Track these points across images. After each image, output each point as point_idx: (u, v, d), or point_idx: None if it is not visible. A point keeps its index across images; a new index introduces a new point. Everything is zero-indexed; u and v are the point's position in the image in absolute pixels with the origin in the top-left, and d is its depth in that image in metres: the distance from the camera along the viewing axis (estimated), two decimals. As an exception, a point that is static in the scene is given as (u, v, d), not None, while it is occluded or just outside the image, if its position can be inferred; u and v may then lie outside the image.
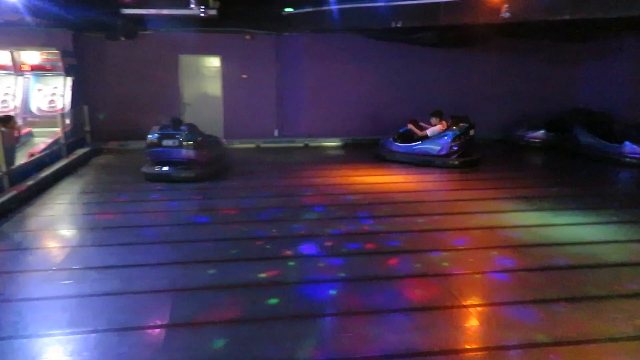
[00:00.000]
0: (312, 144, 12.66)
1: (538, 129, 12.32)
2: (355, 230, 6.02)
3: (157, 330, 3.70)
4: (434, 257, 5.17)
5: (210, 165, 8.84)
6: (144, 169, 8.62)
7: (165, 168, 8.47)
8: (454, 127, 9.86)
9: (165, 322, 3.80)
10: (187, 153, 8.38)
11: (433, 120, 10.24)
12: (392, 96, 12.98)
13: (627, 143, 10.12)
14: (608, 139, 10.60)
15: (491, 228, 6.13)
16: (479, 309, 4.08)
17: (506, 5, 8.73)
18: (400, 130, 10.58)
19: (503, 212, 6.83)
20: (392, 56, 12.83)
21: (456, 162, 9.79)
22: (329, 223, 6.27)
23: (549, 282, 4.55)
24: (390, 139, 10.46)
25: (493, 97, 13.32)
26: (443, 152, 9.77)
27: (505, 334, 3.64)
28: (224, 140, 9.02)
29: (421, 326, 3.79)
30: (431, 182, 8.89)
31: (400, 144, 10.29)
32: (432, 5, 9.58)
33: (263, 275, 4.66)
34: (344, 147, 12.57)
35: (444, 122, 10.12)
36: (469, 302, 4.15)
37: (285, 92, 12.98)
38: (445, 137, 9.79)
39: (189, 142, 8.34)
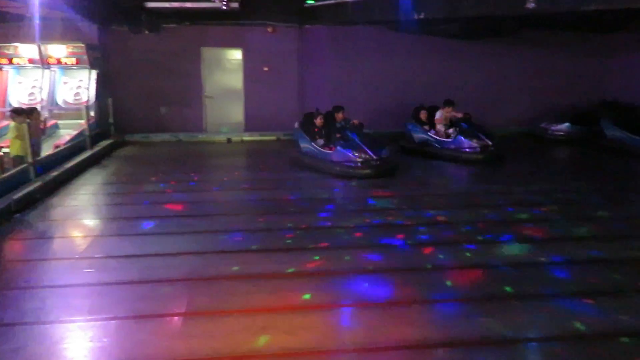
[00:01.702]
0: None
1: (563, 122, 12.07)
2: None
3: (176, 318, 3.76)
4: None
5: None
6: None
7: None
8: None
9: (183, 310, 3.86)
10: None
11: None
12: (417, 88, 12.78)
13: (655, 137, 9.85)
14: (636, 132, 10.33)
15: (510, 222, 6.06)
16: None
17: (531, -5, 8.56)
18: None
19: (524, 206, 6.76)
20: (416, 48, 12.69)
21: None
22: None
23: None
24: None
25: (519, 89, 13.09)
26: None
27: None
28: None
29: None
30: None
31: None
32: (455, -5, 9.46)
33: (290, 269, 4.67)
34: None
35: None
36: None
37: (306, 85, 12.96)
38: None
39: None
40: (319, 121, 9.10)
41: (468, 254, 5.03)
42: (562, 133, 12.03)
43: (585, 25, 11.66)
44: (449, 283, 4.36)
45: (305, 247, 5.19)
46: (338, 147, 8.37)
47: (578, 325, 3.62)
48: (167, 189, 7.71)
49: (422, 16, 10.15)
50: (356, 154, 8.16)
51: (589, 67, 13.21)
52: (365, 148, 8.22)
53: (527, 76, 13.12)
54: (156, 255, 4.96)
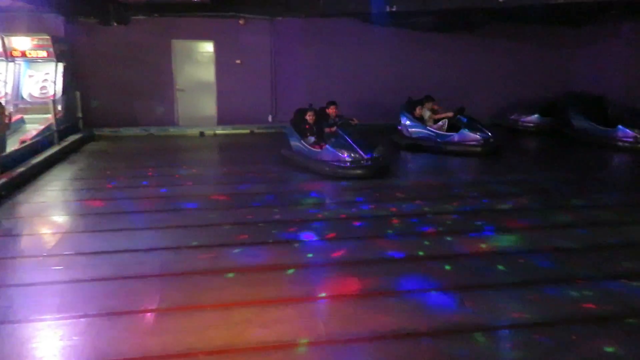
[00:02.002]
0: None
1: (532, 113, 12.31)
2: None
3: (148, 314, 3.71)
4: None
5: None
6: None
7: None
8: None
9: (155, 306, 3.81)
10: None
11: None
12: (390, 81, 12.90)
13: (620, 127, 10.13)
14: (602, 123, 10.61)
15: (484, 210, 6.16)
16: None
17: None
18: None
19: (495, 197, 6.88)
20: (389, 41, 12.74)
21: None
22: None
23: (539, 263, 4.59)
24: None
25: (490, 82, 13.29)
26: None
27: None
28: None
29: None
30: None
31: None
32: (427, -11, 9.53)
33: (264, 262, 4.66)
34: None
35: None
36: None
37: (279, 78, 12.90)
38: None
39: None
40: (310, 117, 8.61)
41: (444, 245, 5.10)
42: (531, 124, 12.28)
43: (553, 18, 11.89)
44: (424, 273, 4.41)
45: (279, 241, 5.18)
46: (327, 146, 7.92)
47: (556, 312, 3.72)
48: (138, 184, 7.59)
49: (394, 9, 10.21)
50: (345, 154, 7.69)
51: (556, 60, 13.49)
52: (356, 147, 7.72)
53: (498, 68, 13.33)
54: (127, 251, 4.88)
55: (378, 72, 12.91)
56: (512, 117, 12.59)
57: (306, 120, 8.62)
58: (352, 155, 7.66)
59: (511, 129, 12.44)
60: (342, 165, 7.69)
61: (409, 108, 10.26)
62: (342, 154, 7.71)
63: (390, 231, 5.48)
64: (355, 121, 8.56)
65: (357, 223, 5.78)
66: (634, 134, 9.96)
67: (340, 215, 6.04)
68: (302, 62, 12.74)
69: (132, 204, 6.53)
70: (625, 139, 10.06)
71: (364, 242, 5.21)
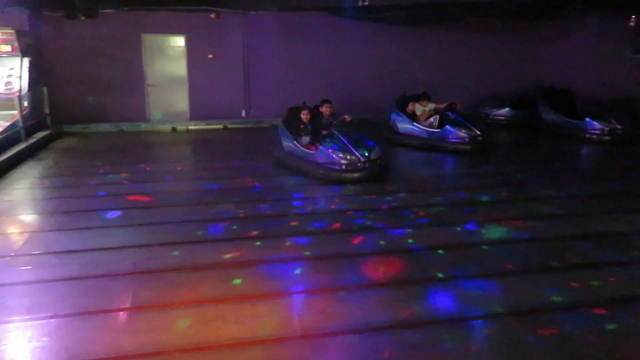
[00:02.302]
0: (281, 124, 12.55)
1: (503, 106, 12.51)
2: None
3: (121, 313, 3.64)
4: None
5: None
6: None
7: None
8: None
9: (128, 304, 3.75)
10: None
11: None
12: (364, 76, 12.94)
13: (588, 120, 10.37)
14: (570, 115, 10.85)
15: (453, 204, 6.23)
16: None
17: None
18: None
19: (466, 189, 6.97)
20: (363, 35, 12.76)
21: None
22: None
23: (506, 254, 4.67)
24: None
25: (463, 76, 13.45)
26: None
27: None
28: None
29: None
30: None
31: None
32: (399, -17, 9.56)
33: (228, 255, 4.63)
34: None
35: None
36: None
37: (253, 72, 12.81)
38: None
39: None
40: (304, 116, 7.97)
41: (422, 236, 5.15)
42: (502, 117, 12.49)
43: (523, 13, 12.06)
44: (396, 266, 4.44)
45: (253, 236, 5.15)
46: (320, 147, 7.32)
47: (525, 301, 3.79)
48: (109, 181, 7.44)
49: (366, 3, 10.21)
50: (340, 155, 7.09)
51: (527, 54, 13.73)
52: (352, 147, 7.14)
53: (470, 62, 13.50)
54: (98, 249, 4.78)
55: (352, 66, 12.91)
56: (484, 110, 12.77)
57: (300, 119, 7.99)
58: (349, 157, 7.08)
59: (483, 122, 12.59)
60: (336, 168, 7.12)
61: (401, 104, 10.12)
62: (336, 156, 7.13)
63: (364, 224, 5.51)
64: (348, 118, 8.08)
65: (330, 218, 5.78)
66: (601, 126, 10.22)
67: (316, 210, 6.03)
68: (276, 56, 12.67)
69: (103, 201, 6.40)
70: (592, 131, 10.31)
71: (338, 237, 5.22)
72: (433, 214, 5.87)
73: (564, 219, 5.73)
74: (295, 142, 7.85)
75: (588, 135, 10.33)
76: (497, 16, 12.35)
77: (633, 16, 11.48)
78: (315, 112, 8.20)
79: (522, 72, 13.66)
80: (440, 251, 4.77)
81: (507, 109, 12.46)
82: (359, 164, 7.10)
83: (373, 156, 7.23)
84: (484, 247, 4.90)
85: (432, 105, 9.82)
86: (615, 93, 11.82)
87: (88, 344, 3.25)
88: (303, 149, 7.69)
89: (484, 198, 6.50)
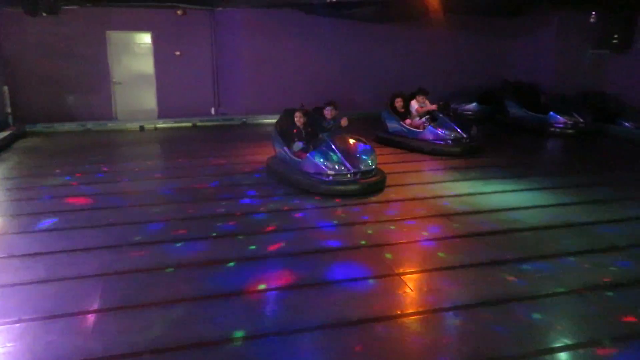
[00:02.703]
0: (251, 121, 12.50)
1: (470, 101, 12.73)
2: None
3: (88, 315, 3.58)
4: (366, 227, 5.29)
5: None
6: None
7: None
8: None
9: (95, 307, 3.68)
10: None
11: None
12: (334, 72, 12.98)
13: (552, 113, 10.65)
14: (535, 110, 11.12)
15: (423, 198, 6.32)
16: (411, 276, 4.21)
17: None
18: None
19: (435, 182, 7.07)
20: (332, 32, 12.77)
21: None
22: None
23: (476, 247, 4.76)
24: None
25: (431, 71, 13.59)
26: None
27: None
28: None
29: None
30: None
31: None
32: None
33: (209, 257, 4.60)
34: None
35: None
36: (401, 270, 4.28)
37: (222, 69, 12.70)
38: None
39: None
40: (298, 119, 7.26)
41: (384, 233, 5.20)
42: (470, 112, 12.69)
43: (488, 9, 12.27)
44: (365, 261, 4.48)
45: (220, 234, 5.12)
46: (308, 155, 6.59)
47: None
48: (74, 182, 7.27)
49: (334, -1, 10.23)
50: (327, 165, 6.36)
51: (493, 50, 13.97)
52: (342, 157, 6.39)
53: (438, 58, 13.66)
54: (64, 251, 4.68)
55: (321, 63, 12.93)
56: (452, 105, 12.94)
57: (294, 122, 7.31)
58: (337, 167, 6.35)
59: (471, 122, 12.79)
60: (324, 179, 6.39)
61: (391, 101, 9.80)
62: (324, 165, 6.39)
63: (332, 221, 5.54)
64: (344, 122, 7.17)
65: (297, 215, 5.78)
66: (565, 120, 10.50)
67: (283, 208, 6.02)
68: (245, 53, 12.58)
69: (68, 203, 6.26)
70: (556, 125, 10.59)
71: (305, 233, 5.23)
72: (409, 207, 5.94)
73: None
74: (285, 148, 7.13)
75: (552, 129, 10.60)
76: (464, 12, 12.52)
77: (593, 12, 11.80)
78: (312, 115, 7.50)
79: (488, 67, 13.90)
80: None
81: (474, 103, 12.68)
82: (349, 176, 6.39)
83: (364, 167, 6.47)
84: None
85: (428, 103, 9.33)
86: (577, 87, 12.15)
87: (54, 348, 3.19)
88: (292, 156, 6.96)
89: (448, 192, 6.61)
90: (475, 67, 13.86)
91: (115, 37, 11.97)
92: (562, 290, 3.92)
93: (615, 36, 11.54)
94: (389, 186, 6.73)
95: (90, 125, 11.66)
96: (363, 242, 4.91)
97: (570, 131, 10.49)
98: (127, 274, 4.24)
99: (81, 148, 9.73)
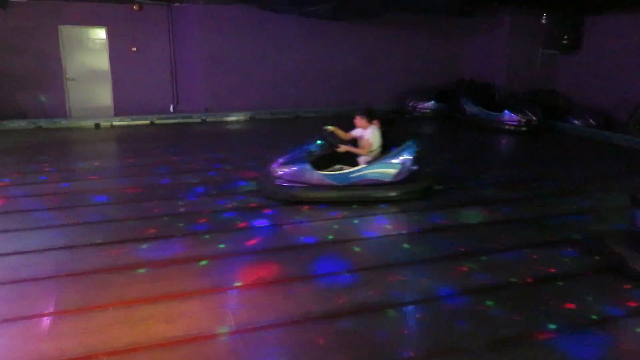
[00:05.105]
0: (211, 119, 12.36)
1: (428, 100, 12.97)
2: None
3: (44, 318, 3.49)
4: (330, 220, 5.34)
5: None
6: None
7: None
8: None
9: (51, 309, 3.60)
10: None
11: (361, 121, 6.25)
12: (291, 70, 12.99)
13: (506, 112, 10.99)
14: (490, 108, 11.45)
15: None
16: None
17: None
18: (312, 149, 6.24)
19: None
20: (289, 29, 12.76)
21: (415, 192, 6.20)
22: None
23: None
24: (306, 165, 5.95)
25: (387, 69, 13.79)
26: (401, 177, 6.04)
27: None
28: None
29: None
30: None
31: (325, 172, 6.02)
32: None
33: (167, 256, 4.55)
34: (247, 121, 12.38)
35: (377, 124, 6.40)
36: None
37: (180, 65, 12.51)
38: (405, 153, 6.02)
39: None
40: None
41: (351, 229, 5.28)
42: (428, 110, 12.94)
43: (444, 9, 12.51)
44: (333, 256, 4.54)
45: (187, 233, 5.08)
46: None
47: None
48: (26, 181, 7.03)
49: (292, -4, 10.22)
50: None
51: (448, 49, 14.27)
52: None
53: (396, 57, 13.85)
54: (18, 253, 4.54)
55: (278, 60, 12.90)
56: (410, 103, 13.18)
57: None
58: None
59: (409, 114, 13.05)
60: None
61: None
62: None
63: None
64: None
65: (267, 211, 5.79)
66: (518, 118, 10.87)
67: (250, 205, 6.01)
68: (204, 49, 12.42)
69: (22, 202, 6.05)
70: (510, 122, 10.94)
71: (274, 230, 5.26)
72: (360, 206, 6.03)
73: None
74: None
75: (507, 127, 10.95)
76: (420, 12, 12.73)
77: (544, 14, 12.24)
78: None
79: (444, 66, 14.19)
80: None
81: (432, 102, 12.93)
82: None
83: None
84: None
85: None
86: (528, 86, 12.60)
87: (9, 352, 3.11)
88: None
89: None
90: (431, 65, 14.13)
91: (68, 31, 11.60)
92: (514, 280, 4.10)
93: (565, 37, 12.00)
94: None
95: (42, 122, 11.27)
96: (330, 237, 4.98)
97: (523, 128, 10.85)
98: (85, 274, 4.15)
99: (35, 146, 9.41)
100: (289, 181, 5.99)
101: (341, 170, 6.10)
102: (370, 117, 6.21)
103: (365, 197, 5.97)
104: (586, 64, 11.93)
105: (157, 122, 11.96)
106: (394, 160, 5.98)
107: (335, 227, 5.32)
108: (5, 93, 11.22)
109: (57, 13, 11.29)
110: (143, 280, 4.06)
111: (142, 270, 4.24)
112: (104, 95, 12.08)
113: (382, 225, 5.47)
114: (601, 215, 5.83)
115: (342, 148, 6.19)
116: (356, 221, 5.50)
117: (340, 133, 6.27)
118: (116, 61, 11.95)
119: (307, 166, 5.93)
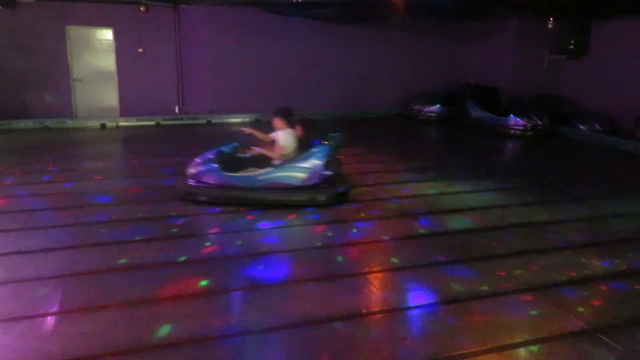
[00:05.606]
0: (216, 120, 12.38)
1: (434, 103, 12.95)
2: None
3: (48, 318, 3.49)
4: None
5: None
6: None
7: None
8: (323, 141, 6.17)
9: (56, 309, 3.59)
10: None
11: (278, 122, 6.18)
12: (297, 72, 13.00)
13: (511, 116, 10.96)
14: (495, 112, 11.41)
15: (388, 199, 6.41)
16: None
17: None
18: (225, 150, 6.37)
19: (400, 183, 7.17)
20: (296, 32, 12.79)
21: (324, 197, 5.99)
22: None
23: (441, 246, 4.86)
24: (213, 165, 5.96)
25: (392, 73, 13.78)
26: (312, 182, 5.94)
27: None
28: None
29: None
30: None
31: (232, 174, 5.98)
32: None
33: (178, 258, 4.54)
34: (252, 123, 12.40)
35: (298, 127, 6.39)
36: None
37: (186, 67, 12.53)
38: (314, 157, 5.92)
39: None
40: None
41: (343, 232, 5.26)
42: (433, 114, 12.92)
43: (451, 13, 12.51)
44: (330, 261, 4.52)
45: (186, 235, 5.08)
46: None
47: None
48: (33, 181, 7.05)
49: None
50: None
51: (454, 53, 14.26)
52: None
53: (401, 60, 13.84)
54: (22, 252, 4.55)
55: (284, 62, 12.93)
56: (416, 107, 13.16)
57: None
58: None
59: (415, 118, 13.03)
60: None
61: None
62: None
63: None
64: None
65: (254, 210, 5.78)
66: (524, 122, 10.83)
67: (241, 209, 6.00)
68: (209, 51, 12.45)
69: (27, 202, 6.06)
70: (516, 127, 10.90)
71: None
72: (368, 206, 6.02)
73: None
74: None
75: (512, 131, 10.91)
76: (426, 15, 12.73)
77: (551, 19, 12.20)
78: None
79: (450, 70, 14.18)
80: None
81: (437, 105, 12.90)
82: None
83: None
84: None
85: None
86: (534, 91, 12.56)
87: (12, 352, 3.11)
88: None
89: (407, 192, 6.73)
90: (437, 69, 14.12)
91: (75, 32, 11.65)
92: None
93: (572, 42, 11.96)
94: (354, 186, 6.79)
95: (48, 122, 11.32)
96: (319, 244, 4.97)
97: (529, 133, 10.81)
98: (89, 274, 4.15)
99: (41, 145, 9.45)
100: (199, 181, 5.97)
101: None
102: (287, 118, 6.12)
103: (275, 200, 5.88)
104: (593, 69, 11.88)
105: (162, 123, 11.99)
106: (302, 165, 5.90)
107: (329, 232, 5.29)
108: (12, 93, 11.27)
109: (65, 14, 11.34)
110: (148, 281, 4.05)
111: (146, 271, 4.23)
112: (110, 96, 12.12)
113: (380, 231, 5.44)
114: None
115: (254, 150, 6.20)
116: (363, 223, 5.47)
117: (259, 135, 6.25)
118: (122, 62, 11.99)
119: (215, 167, 5.91)
